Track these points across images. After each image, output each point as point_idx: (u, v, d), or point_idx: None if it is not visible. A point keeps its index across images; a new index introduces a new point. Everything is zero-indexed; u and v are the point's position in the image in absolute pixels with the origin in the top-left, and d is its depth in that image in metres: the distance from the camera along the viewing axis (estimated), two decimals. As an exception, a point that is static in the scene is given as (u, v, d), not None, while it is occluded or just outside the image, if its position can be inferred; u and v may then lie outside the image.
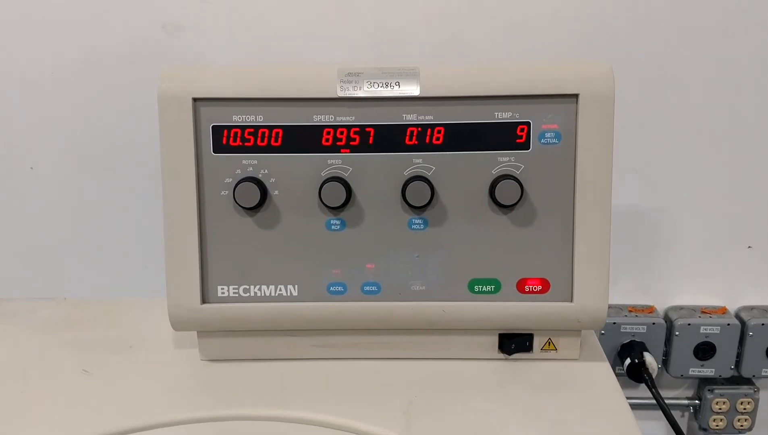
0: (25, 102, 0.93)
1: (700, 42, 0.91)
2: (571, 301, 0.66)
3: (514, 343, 0.69)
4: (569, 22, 0.90)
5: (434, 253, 0.67)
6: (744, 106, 0.93)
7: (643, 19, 0.90)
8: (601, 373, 0.69)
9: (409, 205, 0.65)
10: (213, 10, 0.89)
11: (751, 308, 1.00)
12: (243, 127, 0.65)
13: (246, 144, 0.65)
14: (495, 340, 0.70)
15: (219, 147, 0.65)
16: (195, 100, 0.64)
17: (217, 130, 0.65)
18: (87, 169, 0.96)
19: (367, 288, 0.67)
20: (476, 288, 0.67)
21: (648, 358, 0.96)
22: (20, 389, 0.67)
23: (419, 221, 0.66)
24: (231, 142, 0.65)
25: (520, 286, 0.67)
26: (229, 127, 0.65)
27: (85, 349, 0.73)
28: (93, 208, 0.97)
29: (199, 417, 0.62)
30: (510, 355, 0.70)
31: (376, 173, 0.65)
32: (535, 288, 0.67)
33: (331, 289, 0.67)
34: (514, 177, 0.64)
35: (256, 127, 0.65)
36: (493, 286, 0.67)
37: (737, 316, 1.00)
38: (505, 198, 0.64)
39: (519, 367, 0.69)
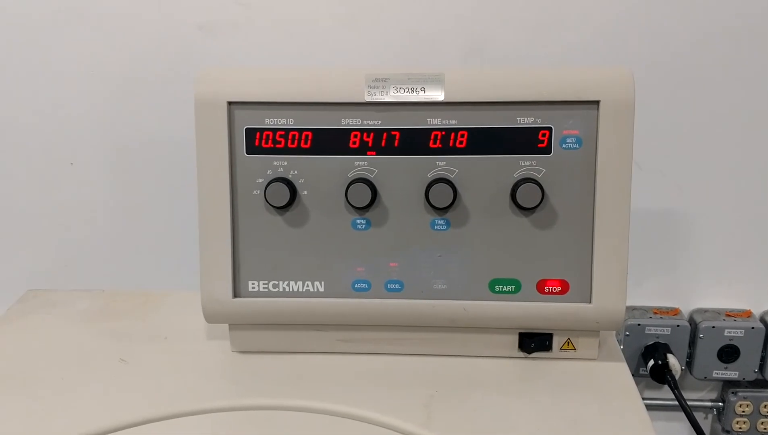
0: (67, 100, 0.95)
1: (728, 42, 0.90)
2: (590, 302, 0.68)
3: (534, 342, 0.71)
4: (597, 24, 0.90)
5: (456, 253, 0.68)
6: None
7: (672, 19, 0.90)
8: (619, 374, 0.70)
9: (432, 207, 0.67)
10: (246, 13, 0.92)
11: (776, 312, 1.00)
12: (275, 130, 0.68)
13: (277, 146, 0.68)
14: (515, 338, 0.71)
15: (252, 148, 0.68)
16: (230, 103, 0.67)
17: (250, 133, 0.68)
18: (125, 166, 0.98)
19: (390, 286, 0.69)
20: (497, 288, 0.69)
21: (671, 359, 0.95)
22: (61, 376, 0.69)
23: (442, 222, 0.68)
24: (263, 144, 0.68)
25: (540, 286, 0.68)
26: (262, 130, 0.68)
27: (122, 339, 0.76)
28: (130, 204, 1.00)
29: (229, 406, 0.65)
30: (530, 353, 0.71)
31: (401, 175, 0.67)
32: (554, 289, 0.68)
33: (356, 286, 0.69)
34: (535, 180, 0.66)
35: (287, 130, 0.67)
36: (513, 287, 0.69)
37: (762, 319, 1.00)
38: (526, 201, 0.66)
39: (538, 365, 0.71)
